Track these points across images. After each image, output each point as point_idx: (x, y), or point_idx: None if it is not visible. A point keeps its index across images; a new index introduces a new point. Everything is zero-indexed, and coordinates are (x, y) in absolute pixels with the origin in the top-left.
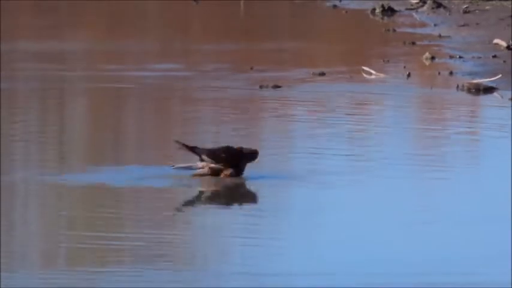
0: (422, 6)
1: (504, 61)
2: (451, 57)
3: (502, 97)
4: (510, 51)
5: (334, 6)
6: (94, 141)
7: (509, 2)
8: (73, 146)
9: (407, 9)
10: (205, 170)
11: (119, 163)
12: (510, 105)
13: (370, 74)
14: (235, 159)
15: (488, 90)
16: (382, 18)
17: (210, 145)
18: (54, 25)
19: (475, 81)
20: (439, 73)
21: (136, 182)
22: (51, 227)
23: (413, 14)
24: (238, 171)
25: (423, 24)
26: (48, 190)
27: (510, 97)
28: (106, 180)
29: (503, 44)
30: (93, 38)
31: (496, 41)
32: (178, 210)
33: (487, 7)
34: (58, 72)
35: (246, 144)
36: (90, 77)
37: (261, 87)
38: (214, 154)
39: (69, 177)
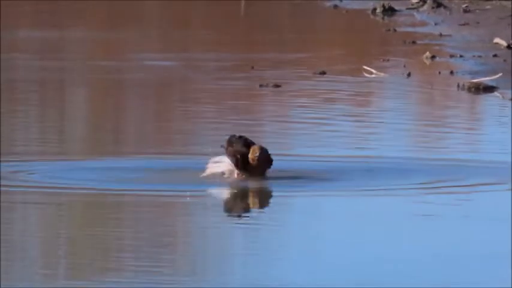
0: (422, 5)
1: (504, 60)
2: (451, 56)
3: (502, 96)
4: (510, 50)
5: (335, 6)
6: (93, 138)
7: (509, 2)
8: (71, 142)
9: (407, 8)
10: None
11: (118, 160)
12: (510, 105)
13: (371, 73)
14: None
15: (489, 89)
16: (383, 18)
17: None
18: (55, 23)
19: (475, 80)
20: (439, 72)
21: (134, 182)
22: (49, 230)
23: (414, 13)
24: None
25: (423, 24)
26: (47, 189)
27: (511, 97)
28: (104, 178)
29: (504, 43)
30: (94, 32)
31: (496, 40)
32: (180, 217)
33: (487, 6)
34: (57, 63)
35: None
36: (89, 69)
37: (261, 86)
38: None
39: (67, 175)
